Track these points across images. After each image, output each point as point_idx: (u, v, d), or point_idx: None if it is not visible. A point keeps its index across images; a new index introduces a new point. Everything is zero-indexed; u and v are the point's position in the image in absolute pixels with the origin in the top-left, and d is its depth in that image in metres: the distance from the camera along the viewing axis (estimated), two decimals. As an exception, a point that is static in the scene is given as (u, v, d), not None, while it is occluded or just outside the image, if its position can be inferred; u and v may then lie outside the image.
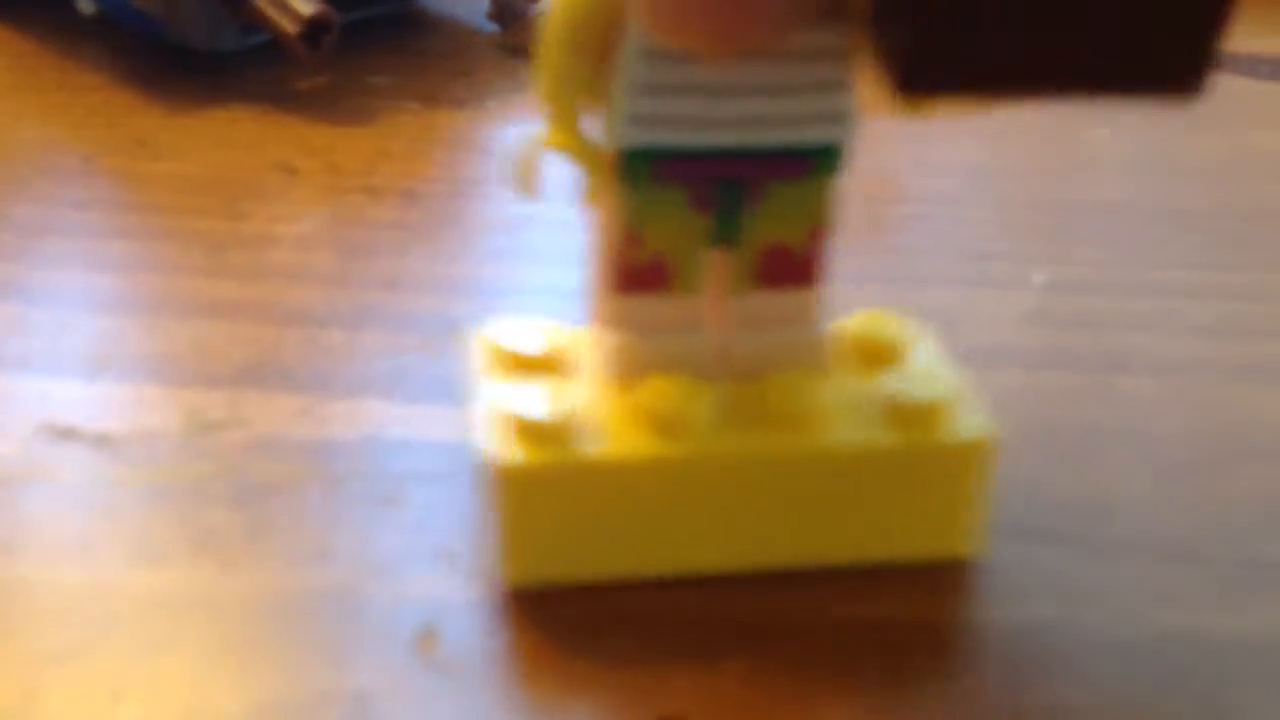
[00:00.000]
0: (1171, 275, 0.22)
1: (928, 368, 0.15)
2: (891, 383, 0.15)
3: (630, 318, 0.14)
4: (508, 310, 0.19)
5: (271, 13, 0.27)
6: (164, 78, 0.29)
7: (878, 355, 0.15)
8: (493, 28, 0.32)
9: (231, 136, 0.26)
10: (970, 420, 0.15)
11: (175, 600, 0.14)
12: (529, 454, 0.14)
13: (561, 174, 0.14)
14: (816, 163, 0.14)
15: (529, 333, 0.15)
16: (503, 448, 0.14)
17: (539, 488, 0.14)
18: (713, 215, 0.14)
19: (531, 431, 0.14)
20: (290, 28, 0.27)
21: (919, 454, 0.14)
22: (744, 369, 0.15)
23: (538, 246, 0.22)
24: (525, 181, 0.14)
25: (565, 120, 0.13)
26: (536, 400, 0.14)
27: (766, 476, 0.14)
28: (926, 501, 0.15)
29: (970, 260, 0.22)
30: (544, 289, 0.21)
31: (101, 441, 0.17)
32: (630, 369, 0.14)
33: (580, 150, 0.14)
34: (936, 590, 0.15)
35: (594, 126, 0.13)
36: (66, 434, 0.17)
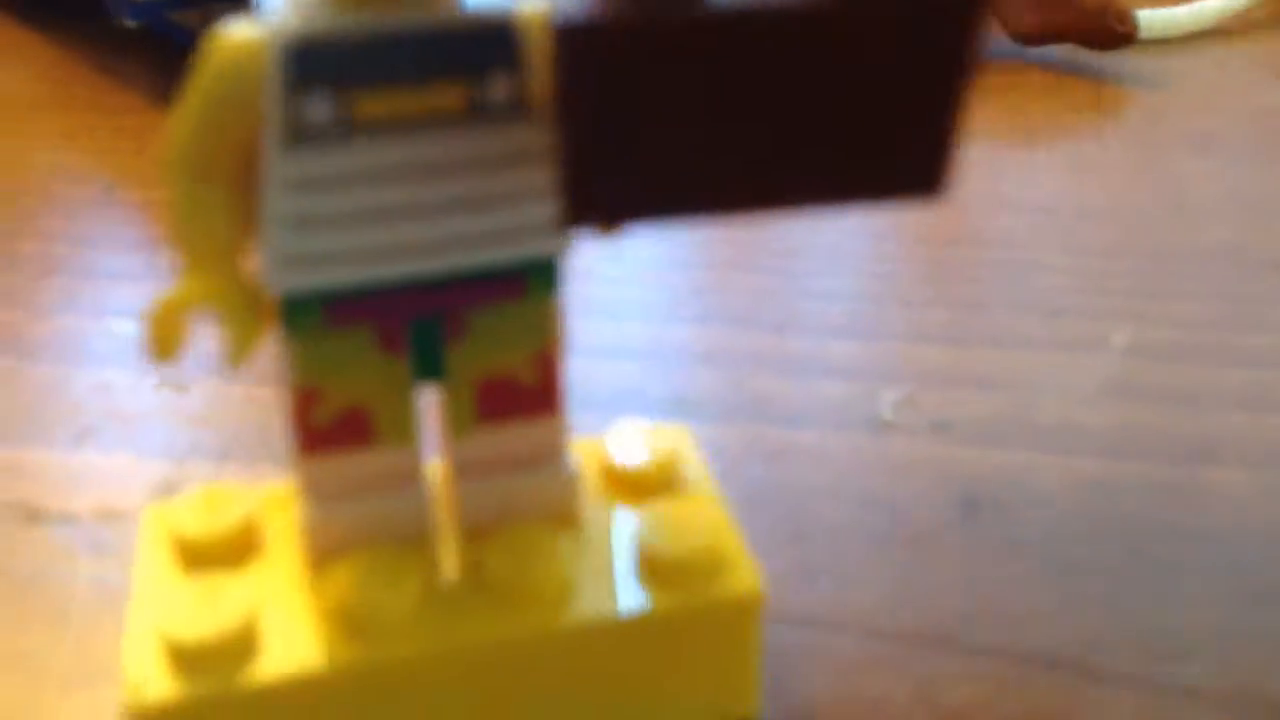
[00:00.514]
0: (1275, 341, 0.19)
1: (695, 504, 0.13)
2: (644, 530, 0.12)
3: (326, 482, 0.12)
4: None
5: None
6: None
7: (635, 487, 0.13)
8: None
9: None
10: (741, 571, 0.12)
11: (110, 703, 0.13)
12: (173, 687, 0.11)
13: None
14: (527, 281, 0.11)
15: (211, 508, 0.12)
16: (145, 677, 0.11)
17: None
18: (409, 355, 0.11)
19: (183, 656, 0.11)
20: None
21: (682, 617, 0.12)
22: (473, 526, 0.12)
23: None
24: (163, 343, 0.11)
25: (200, 264, 0.11)
26: (193, 612, 0.11)
27: (493, 669, 0.12)
28: (694, 665, 0.12)
29: (1041, 316, 0.20)
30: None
31: (67, 522, 0.16)
32: (327, 545, 0.12)
33: (225, 301, 0.11)
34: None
35: (247, 267, 0.11)
36: (37, 515, 0.16)
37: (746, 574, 0.12)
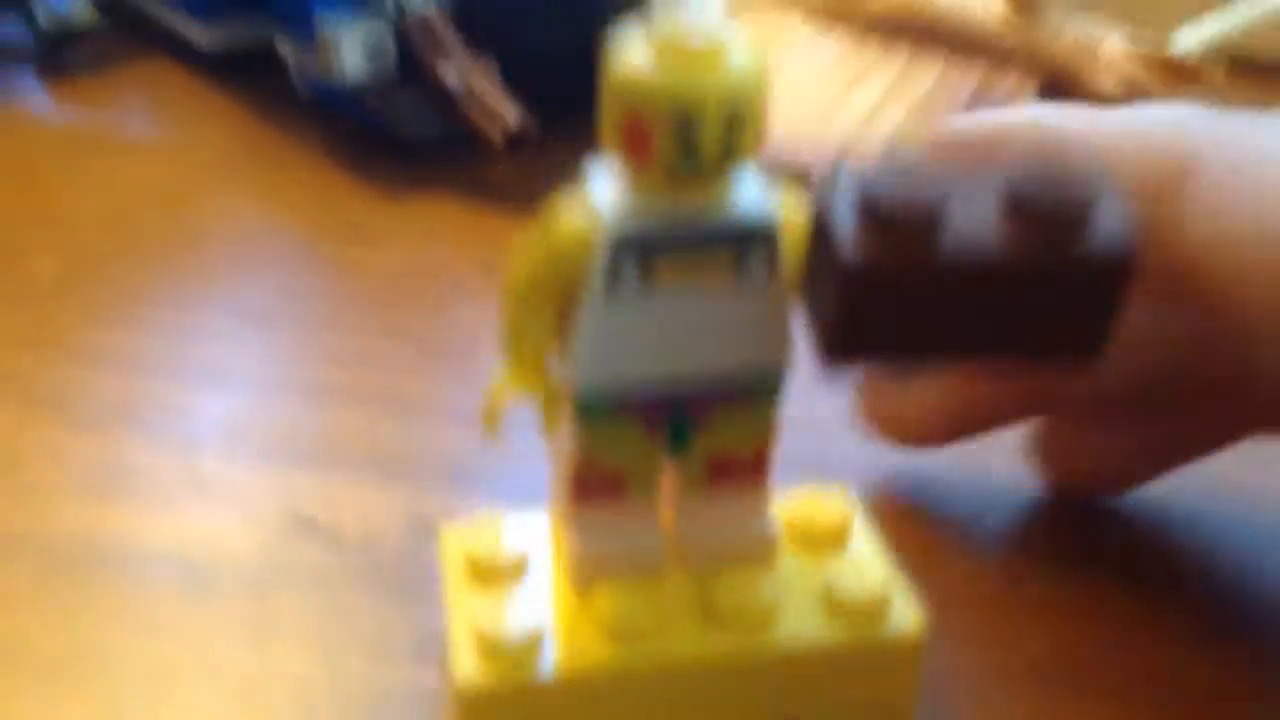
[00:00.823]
0: None
1: (862, 554, 0.16)
2: (829, 576, 0.16)
3: (589, 525, 0.16)
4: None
5: (479, 118, 0.30)
6: (372, 161, 0.32)
7: (818, 540, 0.17)
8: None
9: (435, 227, 0.29)
10: (905, 613, 0.16)
11: (397, 695, 0.17)
12: (491, 673, 0.15)
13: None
14: (754, 395, 0.15)
15: (495, 534, 0.16)
16: (467, 666, 0.15)
17: (498, 704, 0.15)
18: (664, 438, 0.15)
19: (493, 649, 0.15)
20: (496, 134, 0.29)
21: (858, 649, 0.15)
22: (696, 565, 0.16)
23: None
24: (491, 424, 0.15)
25: (524, 366, 0.15)
26: (499, 616, 0.15)
27: (712, 676, 0.15)
28: (864, 693, 0.16)
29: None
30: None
31: (335, 537, 0.20)
32: (587, 574, 0.16)
33: (540, 393, 0.15)
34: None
35: (555, 366, 0.15)
36: (309, 527, 0.20)
37: (912, 616, 0.16)
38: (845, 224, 0.13)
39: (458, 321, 0.26)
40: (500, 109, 0.30)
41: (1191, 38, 0.35)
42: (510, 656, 0.15)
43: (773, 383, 0.15)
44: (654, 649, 0.15)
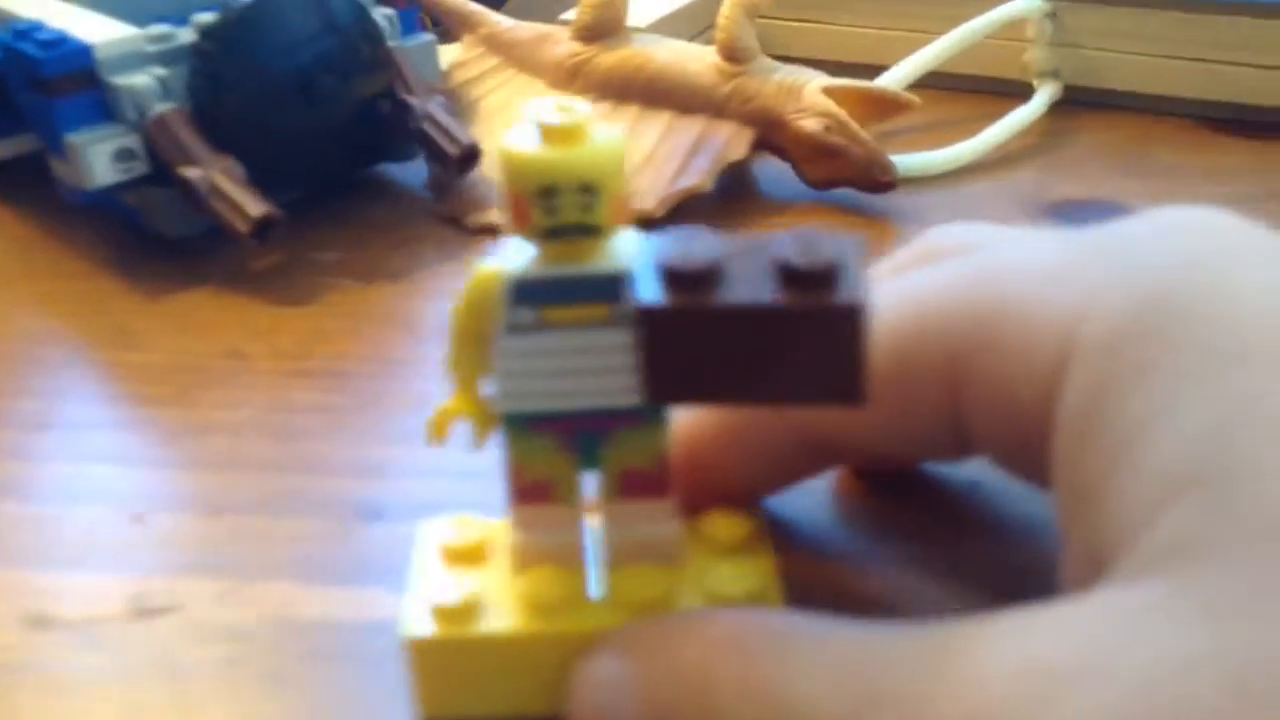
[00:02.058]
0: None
1: (750, 562, 0.19)
2: (714, 576, 0.19)
3: (525, 522, 0.19)
4: (412, 492, 0.23)
5: (224, 212, 0.32)
6: (143, 261, 0.34)
7: (718, 546, 0.20)
8: (432, 197, 0.37)
9: (193, 321, 0.31)
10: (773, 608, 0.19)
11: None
12: (433, 629, 0.19)
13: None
14: (645, 415, 0.18)
15: (462, 528, 0.20)
16: (415, 623, 0.19)
17: (438, 655, 0.19)
18: (575, 453, 0.19)
19: (438, 612, 0.19)
20: (241, 227, 0.31)
21: None
22: (611, 560, 0.19)
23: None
24: (438, 434, 0.19)
25: (462, 390, 0.19)
26: (447, 587, 0.19)
27: None
28: None
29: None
30: (446, 472, 0.24)
31: (65, 627, 0.21)
32: (524, 561, 0.19)
33: (473, 414, 0.19)
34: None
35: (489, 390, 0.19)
36: (41, 623, 0.22)
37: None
38: (642, 279, 0.16)
39: (199, 409, 0.27)
40: (243, 202, 0.31)
41: (894, 74, 0.38)
42: (450, 617, 0.18)
43: (655, 407, 0.18)
44: (559, 622, 0.18)
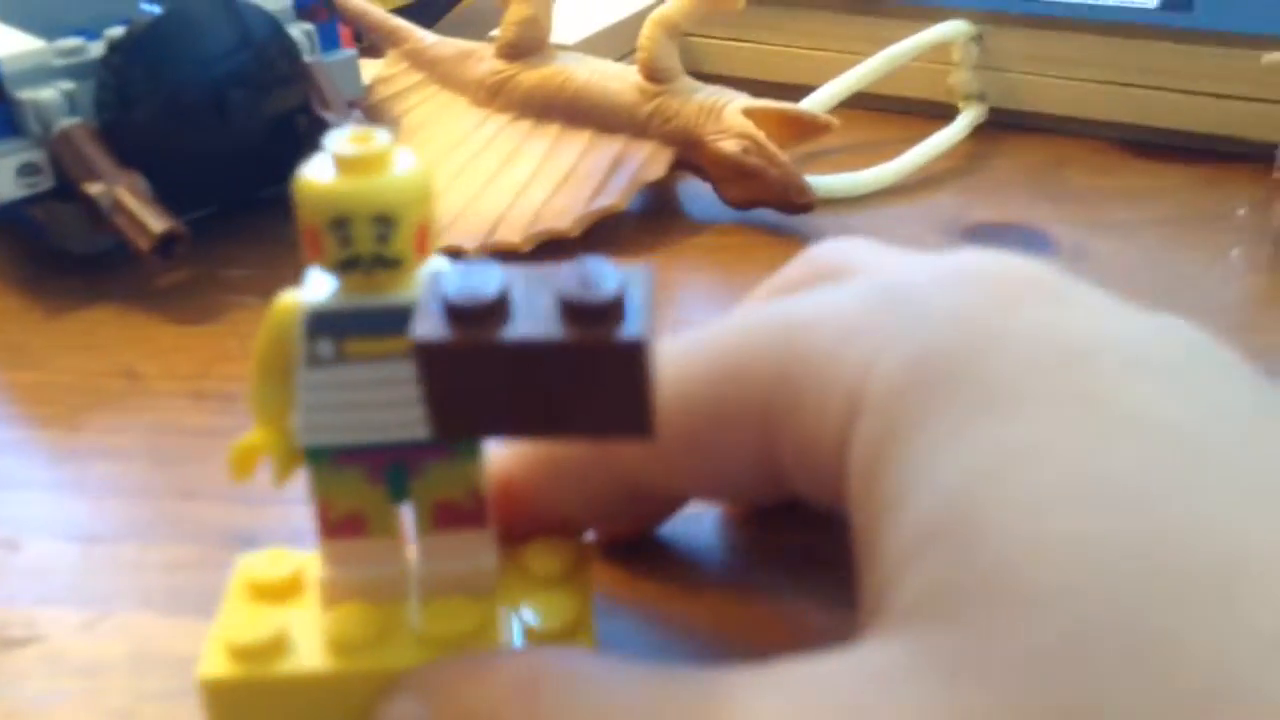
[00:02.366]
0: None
1: (566, 595, 0.19)
2: (528, 609, 0.19)
3: (337, 557, 0.18)
4: (291, 519, 0.23)
5: (127, 228, 0.31)
6: (47, 277, 0.33)
7: (536, 578, 0.19)
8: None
9: (92, 340, 0.31)
10: (585, 642, 0.18)
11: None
12: (229, 669, 0.18)
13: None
14: (459, 447, 0.18)
15: (278, 562, 0.19)
16: (211, 663, 0.18)
17: (234, 697, 0.18)
18: (384, 485, 0.18)
19: (237, 650, 0.18)
20: (143, 243, 0.31)
21: None
22: (426, 593, 0.19)
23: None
24: (240, 470, 0.18)
25: (264, 424, 0.18)
26: (251, 624, 0.18)
27: None
28: None
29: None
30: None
31: None
32: (334, 597, 0.19)
33: (275, 449, 0.18)
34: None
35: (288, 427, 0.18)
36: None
37: (587, 644, 0.18)
38: (424, 314, 0.16)
39: (86, 433, 0.27)
40: (145, 218, 0.31)
41: (821, 95, 0.38)
42: (249, 656, 0.18)
43: (471, 441, 0.18)
44: (364, 660, 0.18)
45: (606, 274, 0.16)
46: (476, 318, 0.15)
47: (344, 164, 0.16)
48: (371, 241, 0.16)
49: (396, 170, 0.16)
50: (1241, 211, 0.34)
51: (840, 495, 0.17)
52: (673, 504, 0.22)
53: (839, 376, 0.17)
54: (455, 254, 0.33)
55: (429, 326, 0.16)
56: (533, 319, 0.16)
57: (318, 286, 0.17)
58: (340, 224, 0.16)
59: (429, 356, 0.16)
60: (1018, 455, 0.14)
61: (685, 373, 0.19)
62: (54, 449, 0.27)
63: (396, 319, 0.17)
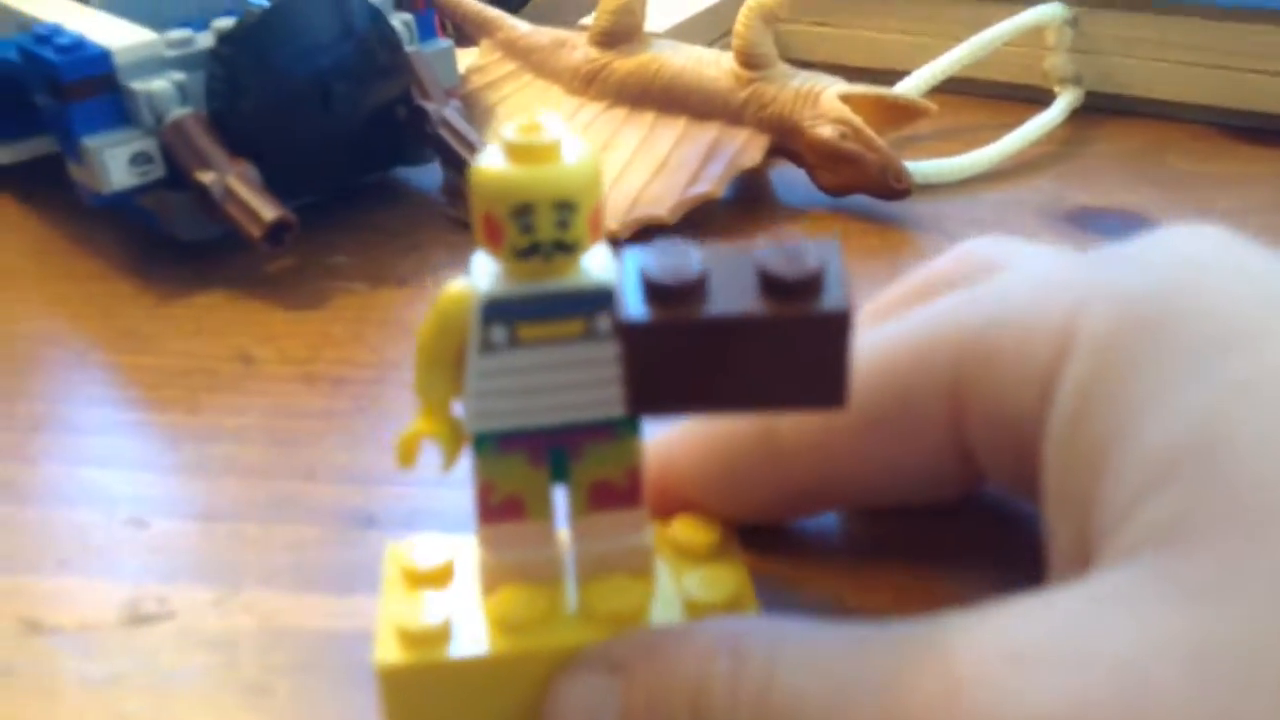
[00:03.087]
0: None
1: (723, 568, 0.19)
2: (689, 584, 0.19)
3: (495, 541, 0.19)
4: (406, 499, 0.23)
5: (239, 216, 0.32)
6: (157, 264, 0.34)
7: (690, 555, 0.20)
8: (446, 200, 0.37)
9: (205, 324, 0.31)
10: (750, 613, 0.19)
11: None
12: (404, 655, 0.18)
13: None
14: (617, 428, 0.18)
15: (429, 548, 0.20)
16: (385, 650, 0.18)
17: (409, 681, 0.18)
18: (547, 468, 0.18)
19: (408, 637, 0.18)
20: (255, 231, 0.32)
21: None
22: (584, 573, 0.19)
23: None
24: (405, 457, 0.19)
25: (431, 412, 0.18)
26: (417, 611, 0.19)
27: None
28: None
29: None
30: (438, 480, 0.24)
31: (56, 632, 0.22)
32: (494, 580, 0.19)
33: (443, 435, 0.18)
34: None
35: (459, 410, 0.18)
36: (34, 628, 0.22)
37: (751, 610, 0.19)
38: (627, 293, 0.16)
39: (204, 414, 0.28)
40: (257, 206, 0.32)
41: (914, 80, 0.38)
42: (421, 642, 0.18)
43: (629, 421, 0.18)
44: (533, 640, 0.18)
45: (804, 248, 0.16)
46: (679, 297, 0.16)
47: (520, 153, 0.17)
48: (553, 227, 0.17)
49: (571, 158, 0.17)
50: (1351, 196, 0.34)
51: (1032, 458, 0.17)
52: (831, 506, 0.22)
53: (1041, 324, 0.17)
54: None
55: (634, 306, 0.16)
56: (732, 296, 0.16)
57: (485, 274, 0.18)
58: (523, 211, 0.17)
59: (635, 336, 0.16)
60: (1254, 386, 0.14)
61: (871, 359, 0.19)
62: (173, 431, 0.27)
63: (570, 303, 0.17)
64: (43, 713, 0.20)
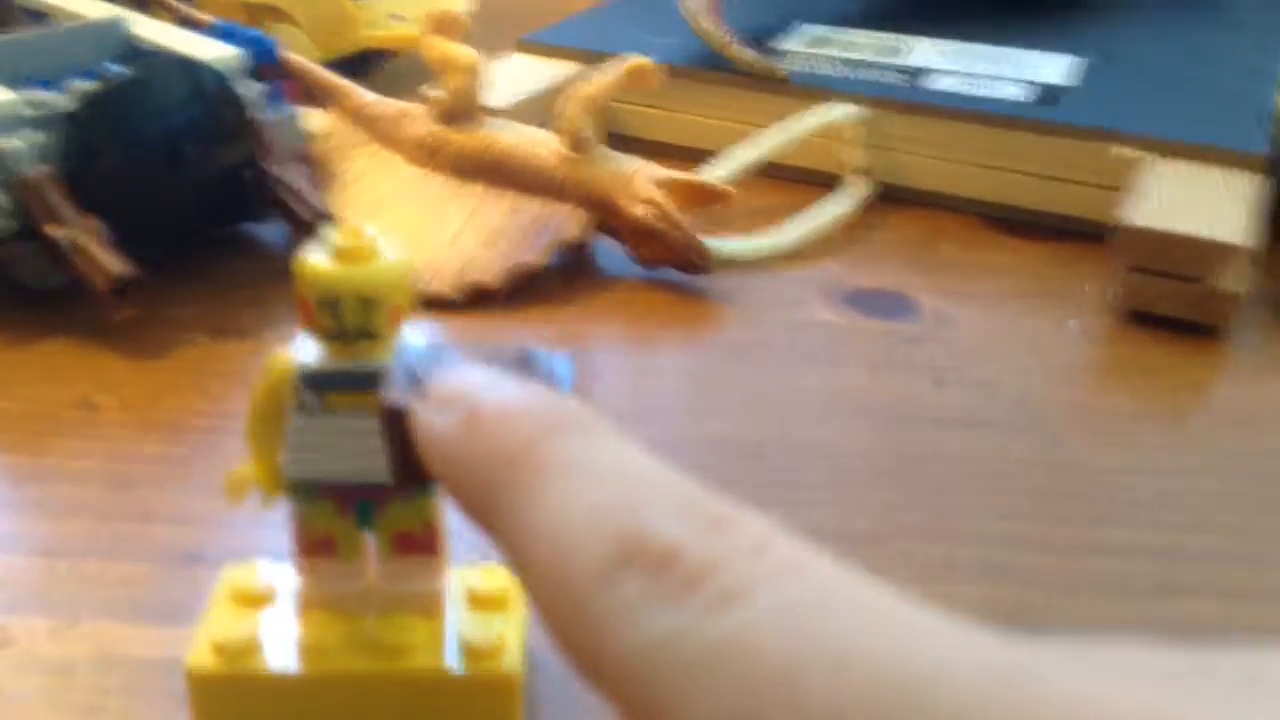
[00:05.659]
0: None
1: (502, 614, 0.22)
2: (467, 625, 0.22)
3: (310, 572, 0.22)
4: (233, 539, 0.26)
5: (87, 270, 0.34)
6: (3, 311, 0.36)
7: (481, 601, 0.23)
8: (287, 253, 0.39)
9: (50, 371, 0.33)
10: (511, 657, 0.21)
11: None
12: (214, 664, 0.21)
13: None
14: (415, 489, 0.21)
15: (258, 573, 0.23)
16: (198, 658, 0.21)
17: (216, 689, 0.21)
18: (354, 516, 0.22)
19: (221, 648, 0.21)
20: (101, 284, 0.34)
21: (469, 681, 0.21)
22: (381, 609, 0.22)
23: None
24: (234, 494, 0.22)
25: (257, 458, 0.22)
26: (234, 625, 0.21)
27: (367, 689, 0.22)
28: (480, 711, 0.22)
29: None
30: (263, 522, 0.27)
31: (-98, 658, 0.24)
32: (306, 606, 0.22)
33: (264, 479, 0.22)
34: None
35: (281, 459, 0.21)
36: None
37: (517, 663, 0.21)
38: (392, 381, 0.18)
39: (49, 458, 0.30)
40: (105, 261, 0.34)
41: (729, 162, 0.42)
42: (231, 653, 0.21)
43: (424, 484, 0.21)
44: (330, 663, 0.21)
45: (539, 359, 0.18)
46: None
47: (340, 254, 0.20)
48: (357, 317, 0.20)
49: (381, 260, 0.20)
50: (1086, 287, 0.39)
51: None
52: None
53: None
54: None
55: (393, 393, 0.18)
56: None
57: (306, 348, 0.21)
58: (332, 303, 0.20)
59: (392, 417, 0.18)
60: None
61: None
62: (16, 472, 0.29)
63: (371, 380, 0.20)
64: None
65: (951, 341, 0.36)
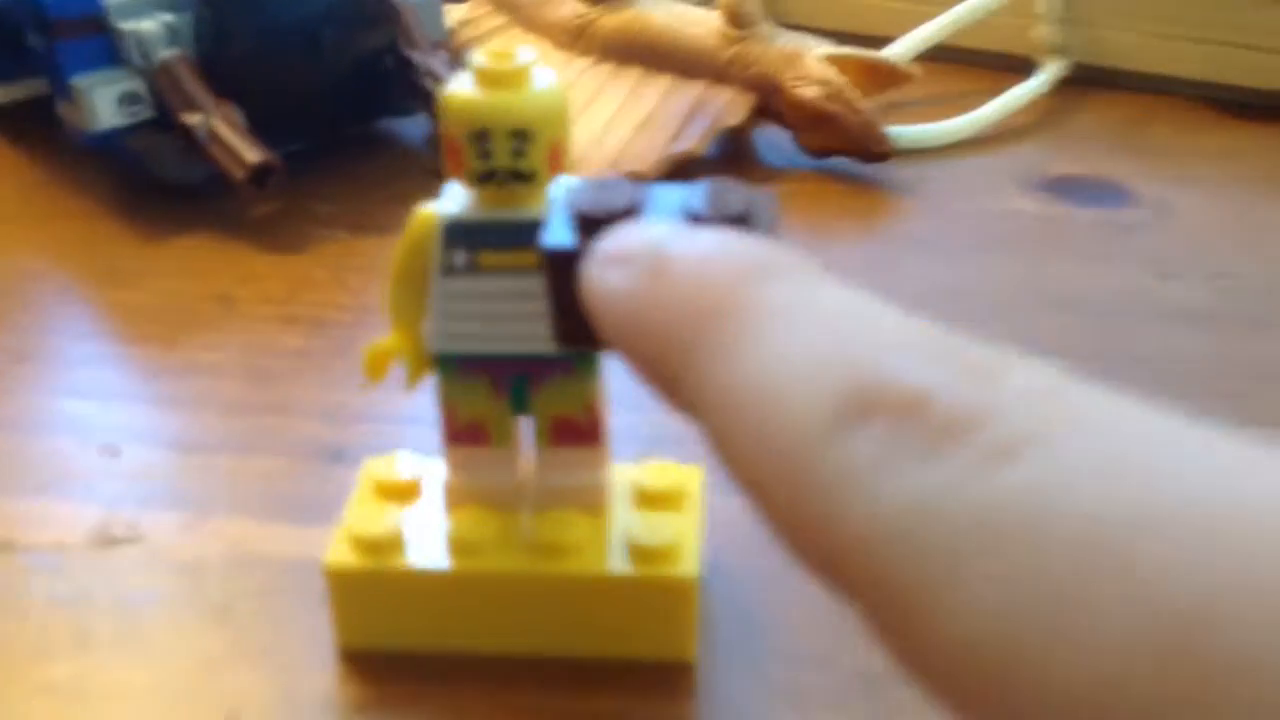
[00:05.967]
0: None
1: (675, 513, 0.20)
2: (636, 525, 0.19)
3: (459, 464, 0.20)
4: (376, 435, 0.24)
5: (222, 158, 0.32)
6: (143, 205, 0.34)
7: (651, 499, 0.20)
8: (430, 152, 0.37)
9: (187, 265, 0.32)
10: (687, 561, 0.19)
11: (62, 689, 0.19)
12: (352, 559, 0.19)
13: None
14: (578, 364, 0.19)
15: (400, 465, 0.20)
16: (337, 553, 0.19)
17: (355, 585, 0.19)
18: (508, 398, 0.19)
19: (361, 543, 0.19)
20: (238, 172, 0.32)
21: (641, 583, 0.19)
22: (538, 504, 0.19)
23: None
24: (373, 372, 0.19)
25: (399, 330, 0.19)
26: (375, 520, 0.19)
27: (523, 590, 0.19)
28: (650, 616, 0.19)
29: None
30: (409, 418, 0.25)
31: (28, 552, 0.22)
32: (455, 501, 0.20)
33: (408, 353, 0.19)
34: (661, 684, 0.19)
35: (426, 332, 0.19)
36: (4, 547, 0.22)
37: (692, 565, 0.19)
38: (554, 223, 0.15)
39: (182, 350, 0.28)
40: (241, 149, 0.32)
41: (900, 46, 0.38)
42: (371, 549, 0.19)
43: (589, 357, 0.18)
44: (479, 562, 0.19)
45: (732, 192, 0.16)
46: (605, 227, 0.15)
47: (484, 78, 0.17)
48: (508, 155, 0.17)
49: (534, 87, 0.17)
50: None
51: None
52: None
53: None
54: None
55: (559, 235, 0.16)
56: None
57: (454, 199, 0.18)
58: (480, 137, 0.17)
59: (556, 263, 0.16)
60: None
61: None
62: (152, 364, 0.28)
63: (529, 232, 0.17)
64: (9, 628, 0.20)
65: (1177, 231, 0.31)
